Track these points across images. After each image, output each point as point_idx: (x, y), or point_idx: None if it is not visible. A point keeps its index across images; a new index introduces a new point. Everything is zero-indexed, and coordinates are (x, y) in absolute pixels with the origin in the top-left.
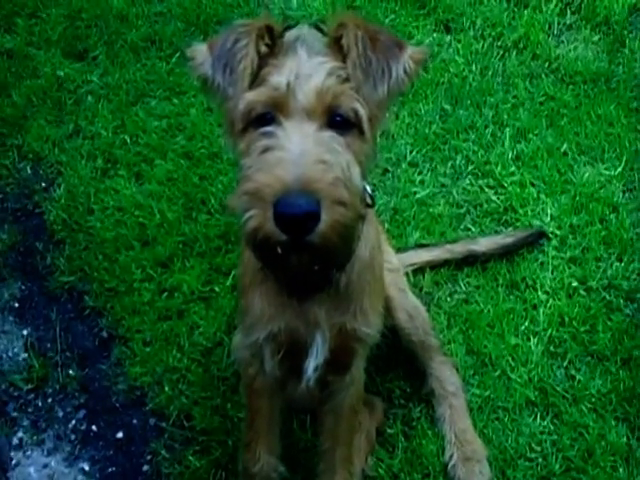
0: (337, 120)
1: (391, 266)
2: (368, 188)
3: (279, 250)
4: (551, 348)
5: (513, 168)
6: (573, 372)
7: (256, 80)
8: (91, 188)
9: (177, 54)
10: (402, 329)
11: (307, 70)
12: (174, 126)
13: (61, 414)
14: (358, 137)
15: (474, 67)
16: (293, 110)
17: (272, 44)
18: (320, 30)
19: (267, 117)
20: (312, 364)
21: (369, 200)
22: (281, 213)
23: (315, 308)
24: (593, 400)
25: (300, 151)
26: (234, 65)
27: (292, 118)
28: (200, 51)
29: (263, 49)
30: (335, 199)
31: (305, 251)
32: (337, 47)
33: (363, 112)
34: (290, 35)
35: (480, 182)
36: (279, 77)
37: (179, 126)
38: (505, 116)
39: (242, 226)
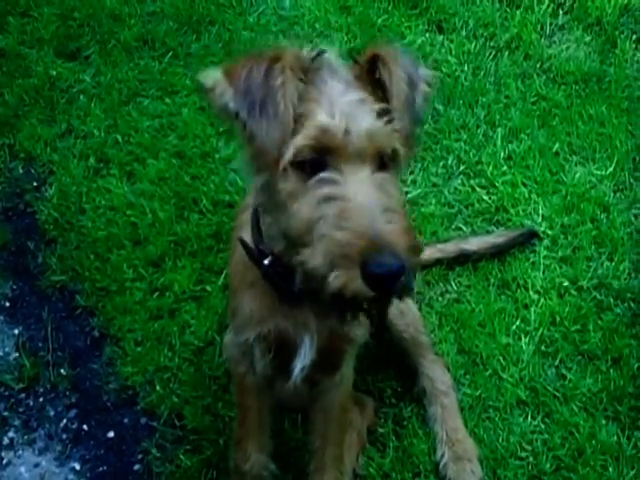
0: (383, 161)
1: None
2: None
3: (365, 305)
4: (542, 347)
5: (505, 168)
6: (564, 371)
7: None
8: (83, 187)
9: (170, 54)
10: (394, 325)
11: (350, 109)
12: (166, 125)
13: (52, 413)
14: (396, 173)
15: (466, 67)
16: (349, 155)
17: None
18: (354, 60)
19: (319, 160)
20: (299, 365)
21: None
22: (373, 273)
23: (305, 310)
24: (584, 399)
25: (366, 201)
26: (270, 107)
27: (348, 163)
28: (218, 80)
29: (300, 86)
30: (411, 247)
31: (386, 299)
32: (368, 78)
33: (403, 151)
34: (317, 62)
35: (472, 182)
36: (326, 117)
37: (171, 125)
38: (497, 116)
39: (324, 284)
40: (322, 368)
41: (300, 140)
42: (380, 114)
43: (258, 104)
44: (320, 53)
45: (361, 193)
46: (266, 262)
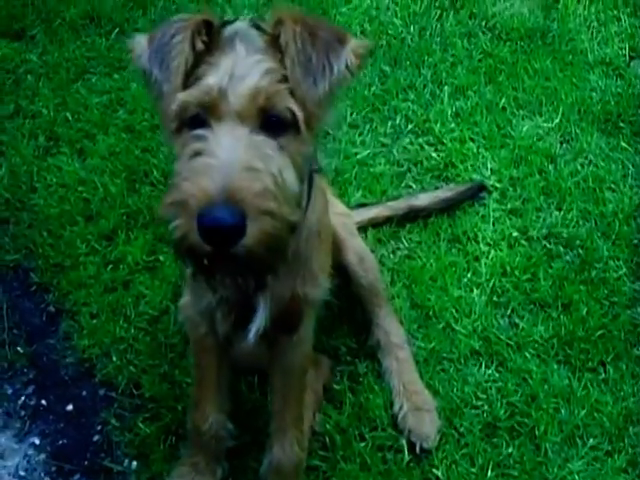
0: (272, 121)
1: (340, 210)
2: (317, 155)
3: (205, 261)
4: (494, 298)
5: (452, 125)
6: (516, 320)
7: (191, 78)
8: (34, 167)
9: (116, 30)
10: (353, 272)
11: (242, 70)
12: (115, 101)
13: (10, 391)
14: (295, 138)
15: (412, 28)
16: (225, 113)
17: (209, 40)
18: (259, 28)
19: (200, 118)
20: (254, 328)
21: (316, 167)
22: (203, 225)
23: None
24: (536, 346)
25: (228, 158)
26: (169, 61)
27: (223, 121)
28: (140, 43)
29: (199, 46)
30: (262, 210)
31: (231, 262)
32: (276, 45)
33: (299, 112)
34: (229, 31)
35: (420, 140)
36: (213, 77)
37: (120, 101)
38: (444, 75)
39: (170, 234)
40: (281, 329)
41: (183, 95)
42: (269, 73)
43: (163, 61)
44: (230, 21)
45: (225, 150)
46: None
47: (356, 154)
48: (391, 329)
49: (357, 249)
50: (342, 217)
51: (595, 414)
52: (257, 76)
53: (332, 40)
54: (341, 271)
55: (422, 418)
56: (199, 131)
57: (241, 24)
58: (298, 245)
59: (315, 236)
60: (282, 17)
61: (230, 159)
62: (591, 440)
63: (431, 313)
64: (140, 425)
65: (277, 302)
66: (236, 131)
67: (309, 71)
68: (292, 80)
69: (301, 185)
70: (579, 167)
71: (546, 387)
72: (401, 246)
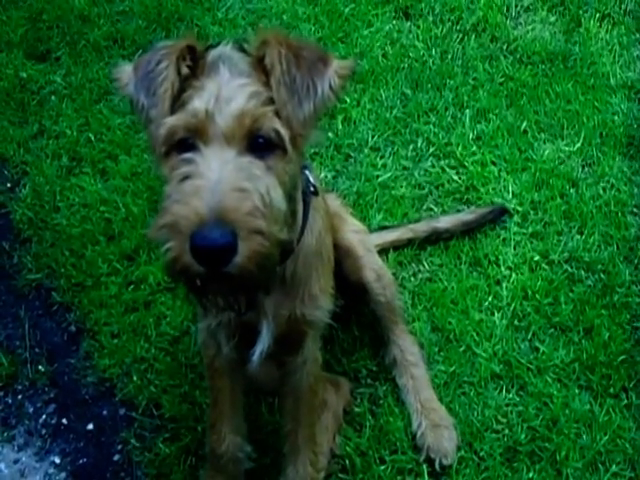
0: (259, 142)
1: (356, 228)
2: (311, 178)
3: (198, 282)
4: (515, 322)
5: (474, 148)
6: (537, 344)
7: (178, 102)
8: (57, 186)
9: (139, 52)
10: (371, 289)
11: (228, 93)
12: (137, 122)
13: (31, 410)
14: (281, 158)
15: (434, 51)
16: (212, 136)
17: (194, 65)
18: (243, 50)
19: (188, 142)
20: (258, 350)
21: (312, 189)
22: (196, 246)
23: (262, 298)
24: (557, 370)
25: (217, 179)
26: (155, 87)
27: (211, 144)
28: (126, 72)
29: (185, 71)
30: (252, 229)
31: (224, 281)
32: (261, 67)
33: (285, 132)
34: (213, 55)
35: (441, 163)
36: (199, 101)
37: None
38: (465, 98)
39: (162, 256)
40: (286, 349)
41: (171, 120)
42: (255, 96)
43: (150, 88)
44: (213, 45)
45: (213, 171)
46: None
47: (377, 177)
48: (406, 347)
49: (374, 266)
50: (359, 234)
51: (618, 440)
52: (243, 99)
53: (316, 61)
54: (358, 288)
55: (441, 435)
56: (187, 154)
57: (224, 48)
58: (296, 266)
59: (314, 257)
60: (267, 38)
61: (219, 180)
62: (613, 467)
63: (452, 336)
64: (160, 445)
65: (278, 324)
66: (224, 153)
67: (294, 92)
68: (278, 101)
69: (289, 204)
70: (601, 191)
71: (567, 412)
72: (422, 269)
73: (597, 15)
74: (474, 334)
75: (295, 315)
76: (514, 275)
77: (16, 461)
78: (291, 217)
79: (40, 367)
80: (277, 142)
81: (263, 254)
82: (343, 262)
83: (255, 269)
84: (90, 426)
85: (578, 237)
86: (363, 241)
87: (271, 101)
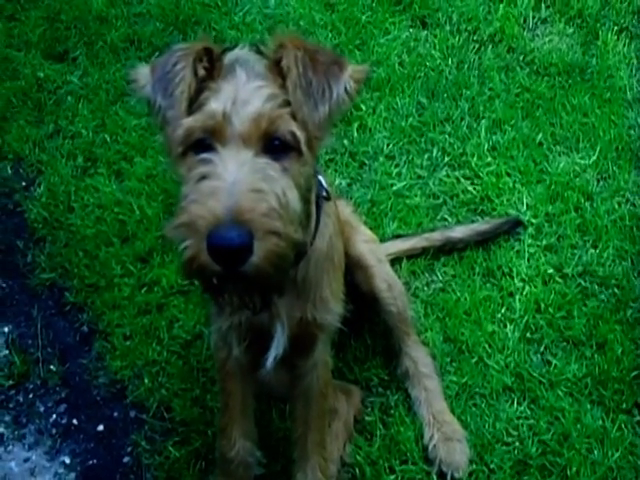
0: (275, 144)
1: (367, 237)
2: (324, 182)
3: (214, 280)
4: (527, 334)
5: (489, 159)
6: (549, 357)
7: (195, 104)
8: (71, 186)
9: (156, 54)
10: (382, 298)
11: (245, 95)
12: (153, 124)
13: (42, 409)
14: (297, 159)
15: (450, 61)
16: (229, 137)
17: (211, 67)
18: (260, 52)
19: (205, 143)
20: (272, 354)
21: (324, 194)
22: (213, 245)
23: (275, 300)
24: (569, 384)
25: (234, 180)
26: (172, 89)
27: (228, 145)
28: (143, 73)
29: (201, 72)
30: (268, 230)
31: (239, 281)
32: (277, 69)
33: (301, 134)
34: (230, 57)
35: (456, 173)
36: (216, 103)
37: None
38: (481, 108)
39: (179, 256)
40: (297, 352)
41: (188, 121)
42: (271, 98)
43: (167, 89)
44: (230, 48)
45: (230, 172)
46: None
47: (392, 185)
48: (419, 358)
49: (385, 276)
50: (369, 244)
51: (629, 457)
52: (260, 102)
53: (332, 65)
54: (370, 298)
55: (453, 448)
56: (205, 155)
57: (241, 50)
58: (307, 270)
59: (325, 261)
60: (283, 41)
61: (236, 181)
62: None
63: (464, 347)
64: (170, 448)
65: (289, 327)
66: (241, 154)
67: (310, 94)
68: (294, 103)
69: (304, 205)
70: (616, 205)
71: (579, 427)
72: (435, 279)
73: (615, 28)
74: (486, 346)
75: (306, 318)
76: (527, 287)
77: (26, 460)
78: (306, 219)
79: (52, 367)
80: (293, 144)
81: (279, 254)
82: (354, 272)
83: (270, 269)
84: (100, 427)
85: (592, 251)
86: (374, 251)
87: (287, 103)
